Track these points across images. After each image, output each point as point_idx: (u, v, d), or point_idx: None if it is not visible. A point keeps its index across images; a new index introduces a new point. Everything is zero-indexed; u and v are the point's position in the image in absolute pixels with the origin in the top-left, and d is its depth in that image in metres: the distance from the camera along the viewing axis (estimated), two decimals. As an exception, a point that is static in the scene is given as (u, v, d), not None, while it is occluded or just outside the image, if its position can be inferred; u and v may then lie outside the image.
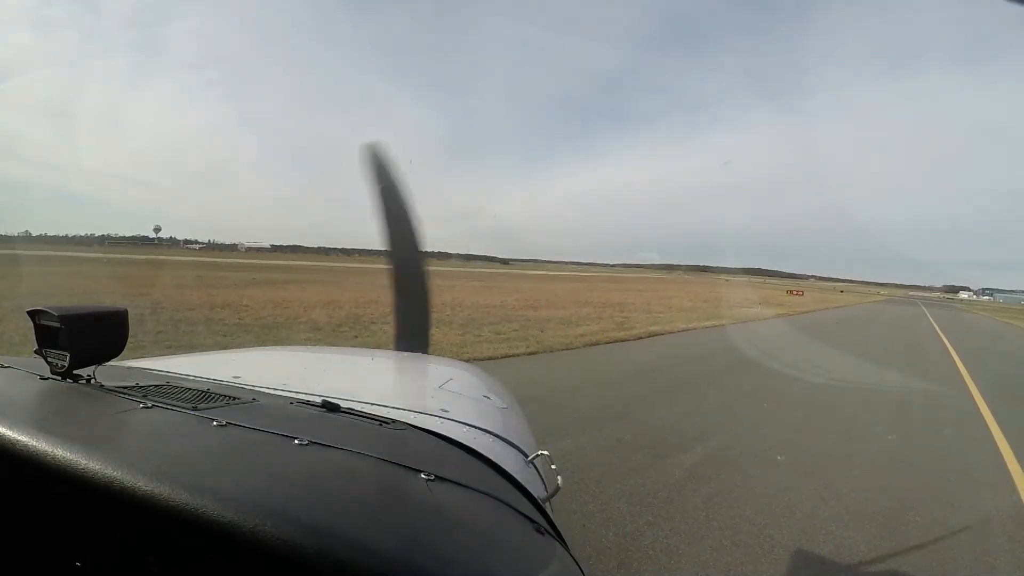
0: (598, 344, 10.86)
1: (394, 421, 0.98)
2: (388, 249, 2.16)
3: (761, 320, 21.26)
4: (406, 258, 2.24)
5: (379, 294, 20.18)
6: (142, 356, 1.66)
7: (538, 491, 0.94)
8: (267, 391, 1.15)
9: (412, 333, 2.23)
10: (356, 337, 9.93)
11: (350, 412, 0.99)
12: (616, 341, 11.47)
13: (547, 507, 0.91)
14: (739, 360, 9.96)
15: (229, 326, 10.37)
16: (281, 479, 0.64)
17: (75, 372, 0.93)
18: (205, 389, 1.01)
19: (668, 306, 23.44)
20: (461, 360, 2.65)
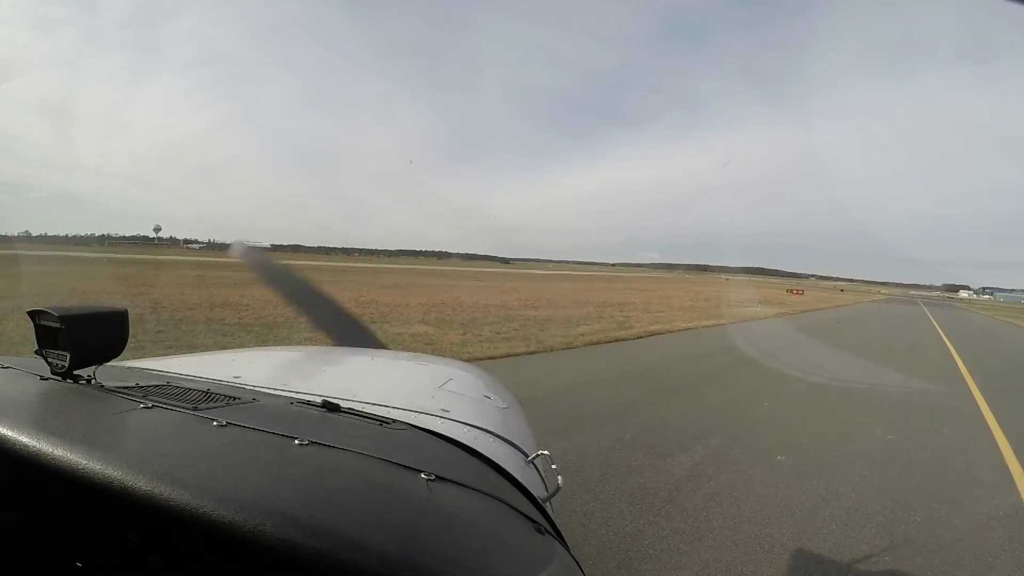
0: (599, 343, 10.86)
1: (394, 421, 0.98)
2: (269, 286, 2.47)
3: (761, 319, 21.26)
4: (279, 281, 2.51)
5: (379, 293, 20.21)
6: (142, 356, 1.66)
7: (538, 491, 0.94)
8: (267, 391, 1.15)
9: (339, 327, 2.39)
10: (356, 337, 9.92)
11: (350, 412, 0.99)
12: (617, 340, 11.47)
13: (547, 507, 0.91)
14: (739, 359, 9.96)
15: (229, 325, 10.37)
16: (281, 479, 0.64)
17: (75, 372, 0.93)
18: (205, 389, 1.01)
19: (668, 305, 23.44)
20: (461, 360, 2.65)
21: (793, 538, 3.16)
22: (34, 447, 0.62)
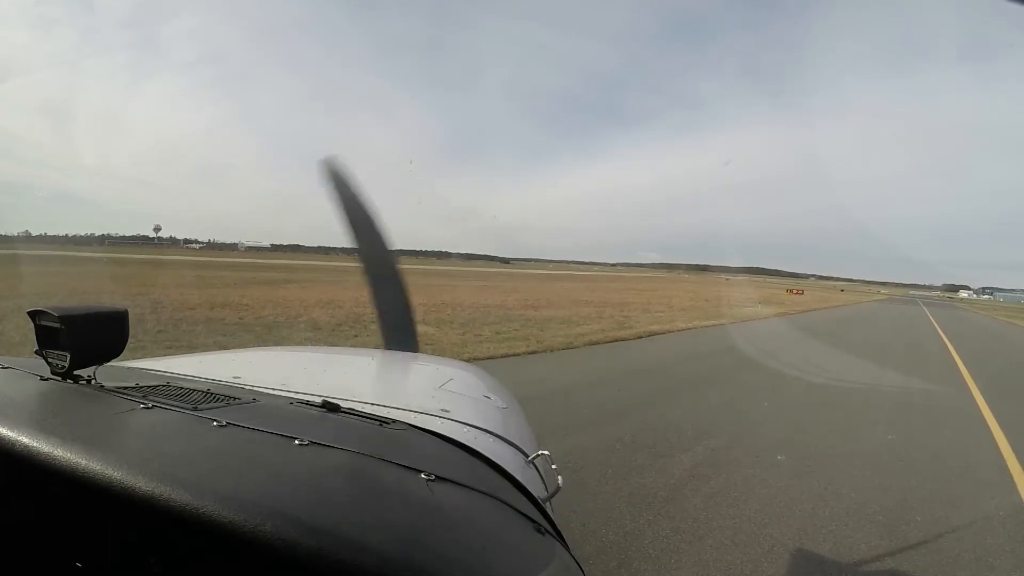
0: (599, 343, 10.86)
1: (394, 421, 0.98)
2: (360, 256, 2.22)
3: (761, 319, 21.25)
4: (378, 262, 2.29)
5: (379, 294, 20.16)
6: (142, 356, 1.66)
7: (538, 491, 0.94)
8: (267, 391, 1.15)
9: (399, 332, 2.26)
10: (356, 337, 9.93)
11: (350, 412, 0.99)
12: (617, 340, 11.47)
13: (547, 507, 0.91)
14: (739, 359, 9.95)
15: (229, 325, 10.37)
16: (281, 479, 0.64)
17: (75, 372, 0.93)
18: (205, 389, 1.01)
19: (668, 305, 23.44)
20: (461, 360, 2.65)
21: (793, 538, 3.16)
22: (34, 447, 0.62)
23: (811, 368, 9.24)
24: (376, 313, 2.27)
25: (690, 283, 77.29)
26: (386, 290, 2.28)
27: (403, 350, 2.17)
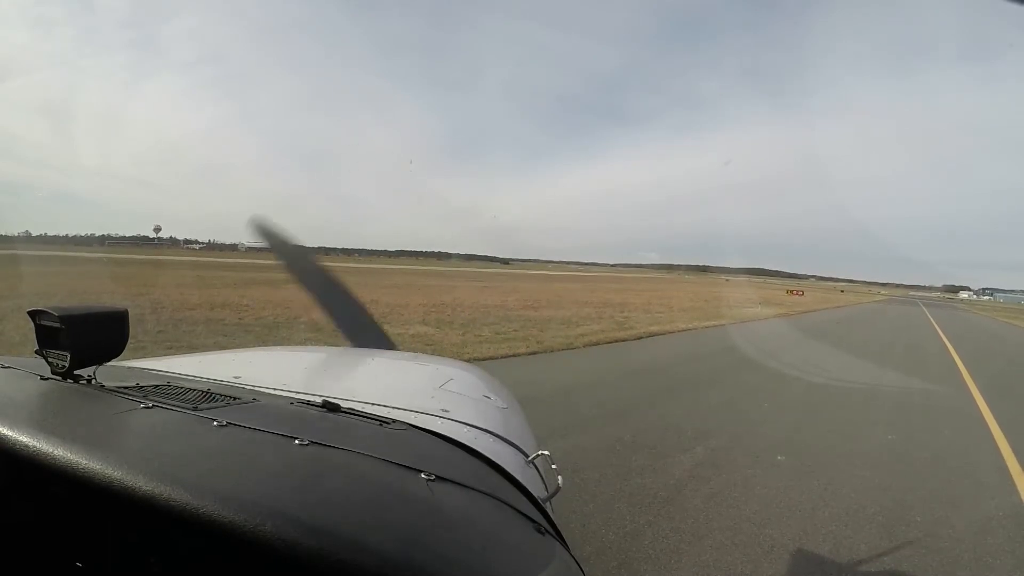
0: (599, 344, 10.86)
1: (394, 421, 0.98)
2: (294, 276, 2.36)
3: (761, 320, 21.25)
4: (307, 272, 2.42)
5: (379, 294, 20.19)
6: (142, 356, 1.66)
7: (538, 491, 0.94)
8: (267, 391, 1.15)
9: (362, 329, 2.30)
10: (356, 337, 9.91)
11: (350, 412, 0.99)
12: (616, 341, 11.47)
13: (547, 507, 0.91)
14: (739, 360, 9.96)
15: (229, 326, 10.37)
16: (281, 479, 0.64)
17: (75, 372, 0.93)
18: (205, 389, 1.01)
19: (668, 306, 23.44)
20: (462, 360, 2.64)
21: (793, 538, 3.16)
22: (34, 447, 0.61)
23: (811, 368, 9.24)
24: (330, 318, 2.32)
25: (690, 284, 77.26)
26: (327, 293, 2.36)
27: (375, 346, 2.20)
